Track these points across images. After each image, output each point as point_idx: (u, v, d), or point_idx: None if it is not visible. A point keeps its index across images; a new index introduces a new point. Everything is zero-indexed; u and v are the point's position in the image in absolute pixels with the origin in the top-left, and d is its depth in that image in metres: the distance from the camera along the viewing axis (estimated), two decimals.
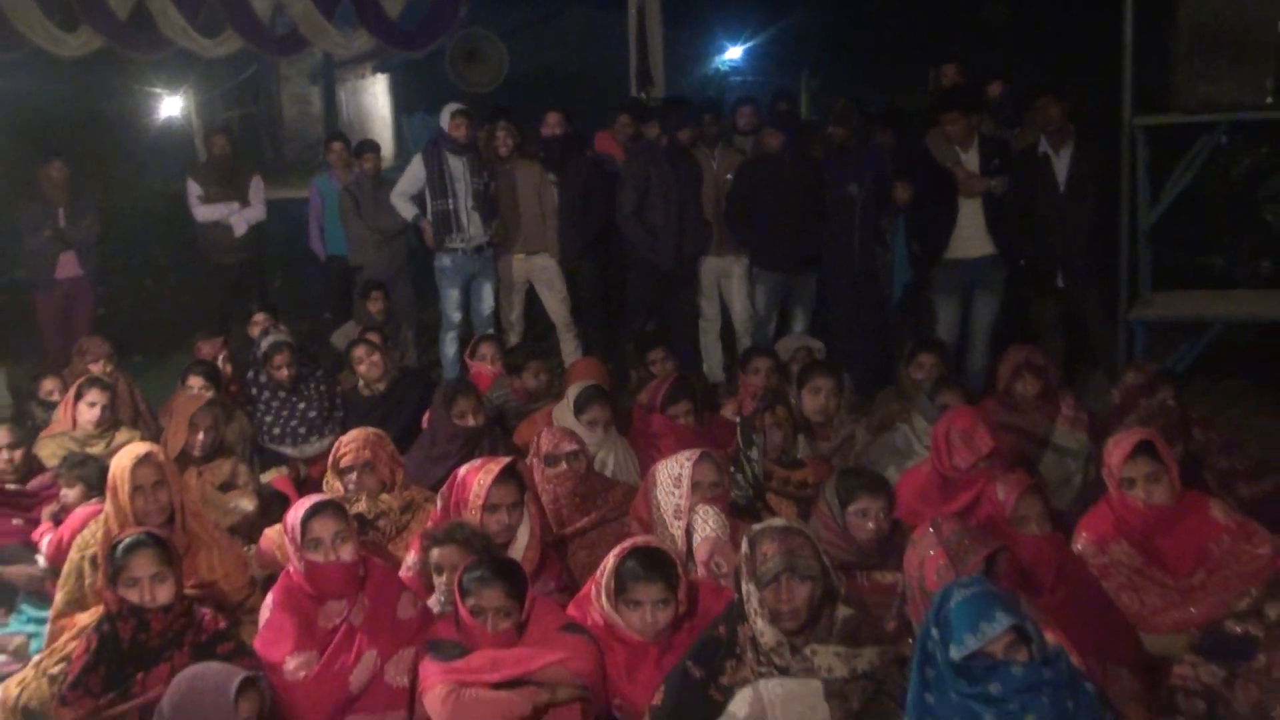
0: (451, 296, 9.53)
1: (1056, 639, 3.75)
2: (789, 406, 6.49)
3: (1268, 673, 3.53)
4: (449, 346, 9.59)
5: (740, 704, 3.80)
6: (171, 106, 17.78)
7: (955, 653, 3.37)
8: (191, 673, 3.69)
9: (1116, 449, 5.14)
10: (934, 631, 3.44)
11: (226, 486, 6.45)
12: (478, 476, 5.15)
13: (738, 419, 6.47)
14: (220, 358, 8.53)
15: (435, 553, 4.86)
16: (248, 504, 6.33)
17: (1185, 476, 5.26)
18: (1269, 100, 8.53)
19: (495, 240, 9.43)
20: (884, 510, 4.97)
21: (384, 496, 5.94)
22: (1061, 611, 4.38)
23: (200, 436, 6.50)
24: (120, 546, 4.45)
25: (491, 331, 9.31)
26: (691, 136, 9.31)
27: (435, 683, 4.20)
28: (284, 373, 7.89)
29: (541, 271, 9.61)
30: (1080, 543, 5.11)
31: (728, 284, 9.40)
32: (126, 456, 5.27)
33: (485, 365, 8.32)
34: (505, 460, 5.25)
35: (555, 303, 9.66)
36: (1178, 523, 5.04)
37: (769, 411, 6.28)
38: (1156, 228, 9.04)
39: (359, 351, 7.89)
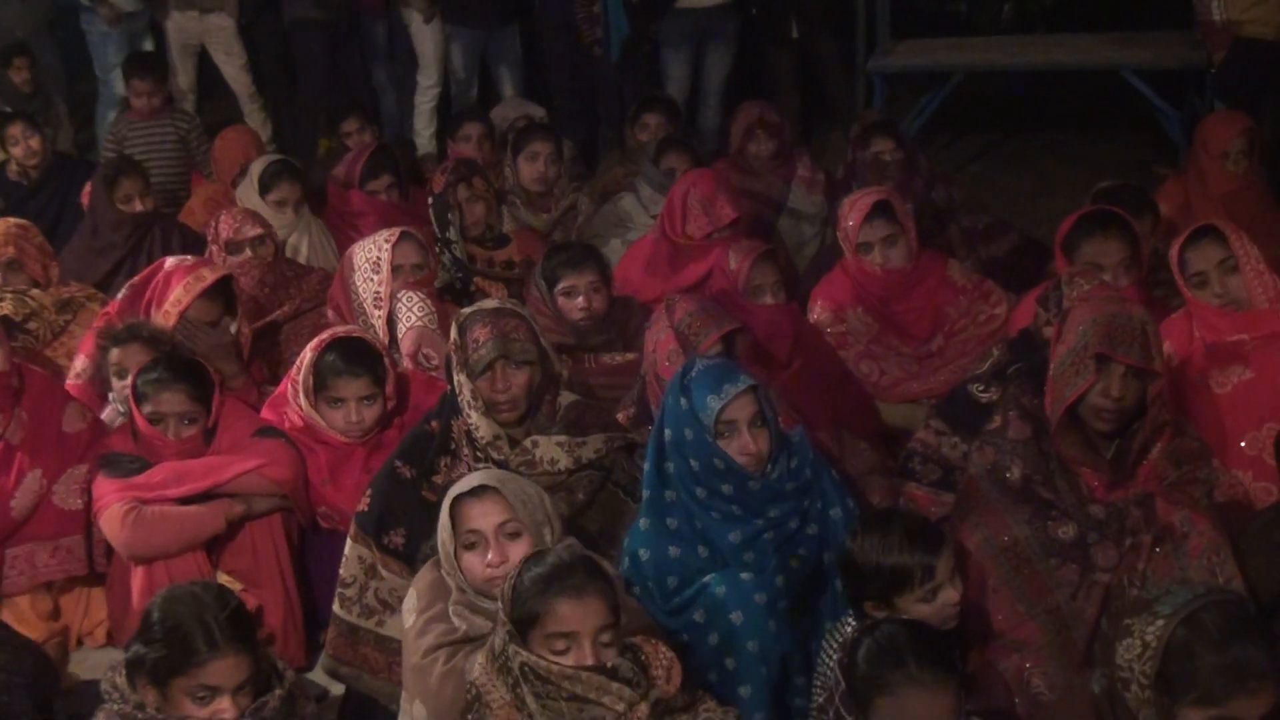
0: (108, 65, 9.10)
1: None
2: (486, 178, 6.38)
3: (1002, 433, 3.72)
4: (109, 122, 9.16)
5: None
6: None
7: (705, 418, 3.46)
8: None
9: (852, 211, 5.26)
10: (681, 402, 3.51)
11: None
12: (184, 281, 4.97)
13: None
14: None
15: (115, 353, 4.70)
16: None
17: (923, 236, 5.46)
18: None
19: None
20: (594, 285, 5.02)
21: (34, 293, 5.71)
22: (798, 385, 4.55)
23: None
24: None
25: None
26: None
27: (112, 501, 4.13)
28: None
29: (217, 33, 9.19)
30: (816, 311, 5.28)
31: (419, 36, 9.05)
32: None
33: None
34: (222, 272, 5.10)
35: (234, 69, 9.30)
36: (916, 286, 5.25)
37: (464, 184, 6.16)
38: None
39: (14, 131, 7.43)
